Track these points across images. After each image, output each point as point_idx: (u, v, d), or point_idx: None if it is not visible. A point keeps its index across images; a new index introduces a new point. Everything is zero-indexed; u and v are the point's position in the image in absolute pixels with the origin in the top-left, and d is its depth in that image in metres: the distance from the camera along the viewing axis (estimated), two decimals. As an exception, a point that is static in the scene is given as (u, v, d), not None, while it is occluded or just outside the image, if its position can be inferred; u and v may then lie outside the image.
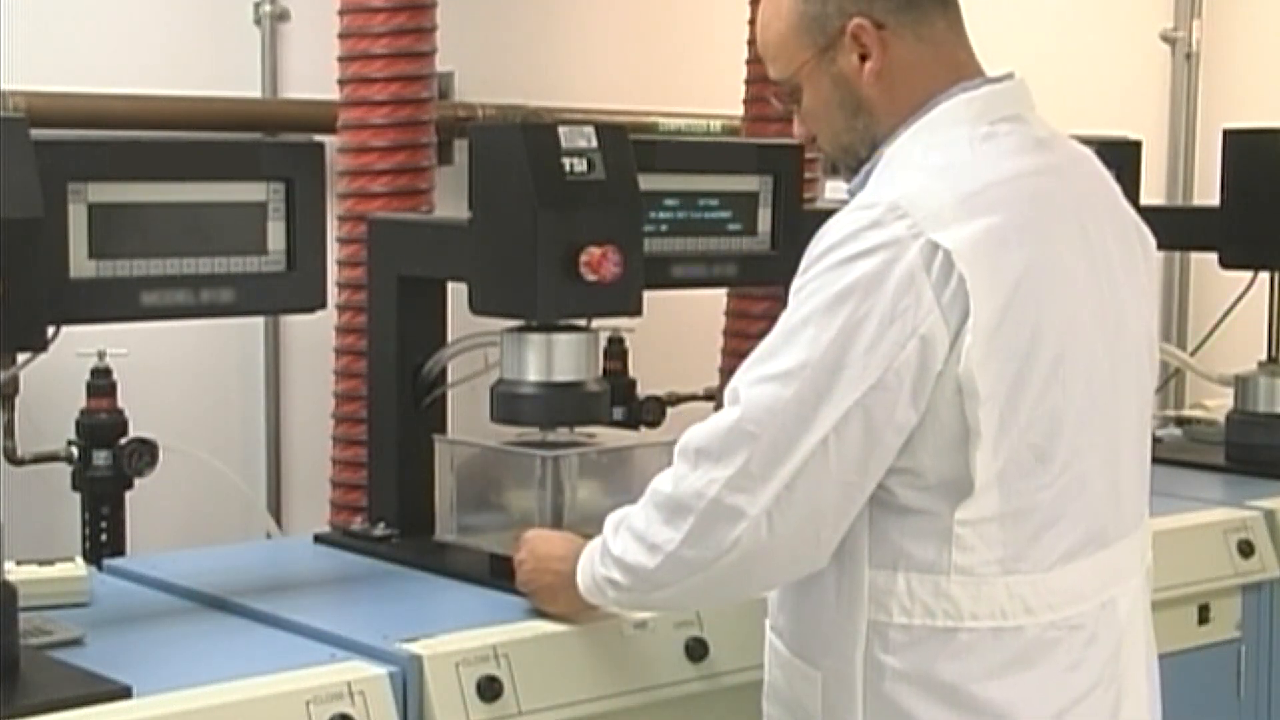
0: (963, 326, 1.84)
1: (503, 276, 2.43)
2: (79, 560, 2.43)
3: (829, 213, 1.95)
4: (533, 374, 2.46)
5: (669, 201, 2.81)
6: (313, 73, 3.23)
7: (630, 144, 2.50)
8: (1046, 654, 1.93)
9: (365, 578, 2.56)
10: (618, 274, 2.38)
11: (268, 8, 3.31)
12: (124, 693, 1.94)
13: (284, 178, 2.33)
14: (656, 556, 1.97)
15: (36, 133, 2.06)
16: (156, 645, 2.20)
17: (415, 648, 2.13)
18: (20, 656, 2.00)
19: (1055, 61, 4.41)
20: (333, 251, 2.62)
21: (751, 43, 3.55)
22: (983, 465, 1.87)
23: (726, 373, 3.48)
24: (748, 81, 3.63)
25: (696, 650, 2.30)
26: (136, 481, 2.87)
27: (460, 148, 3.26)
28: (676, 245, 2.83)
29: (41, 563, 2.37)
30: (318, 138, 2.57)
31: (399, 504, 2.72)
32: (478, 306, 2.49)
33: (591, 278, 2.37)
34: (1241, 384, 3.64)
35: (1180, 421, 4.03)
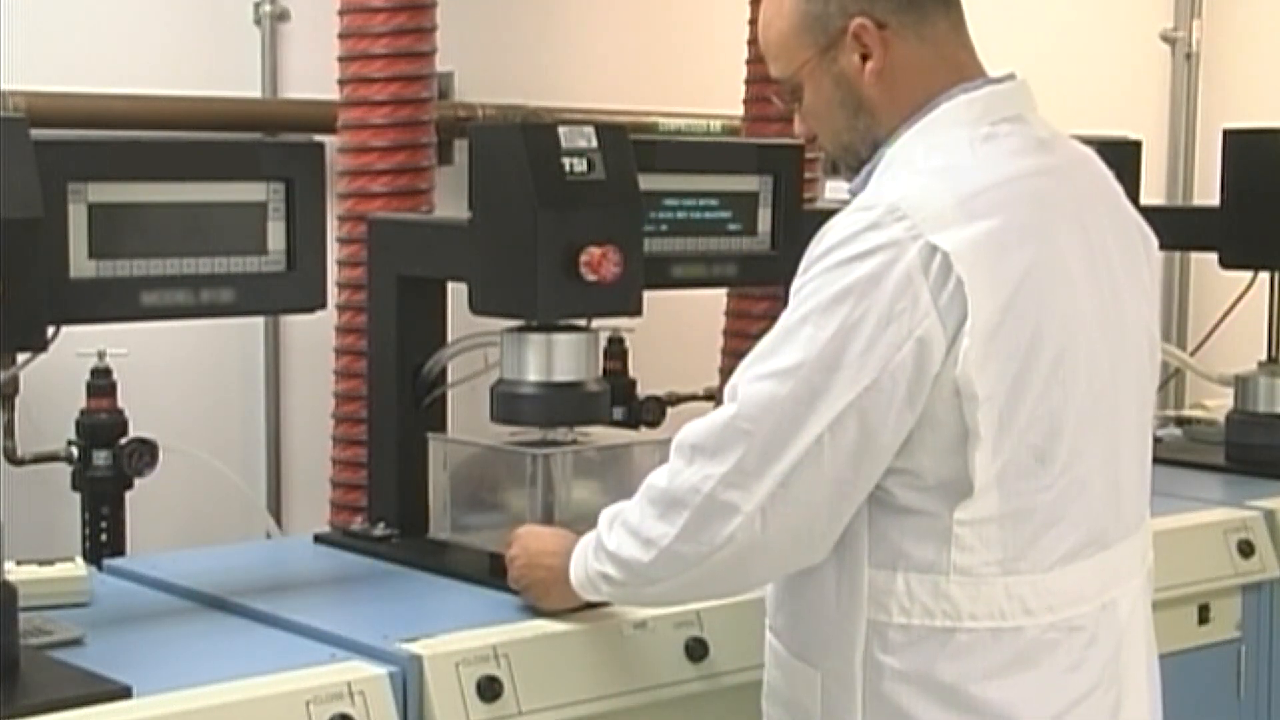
0: (960, 329, 1.84)
1: (503, 276, 2.43)
2: (79, 560, 2.43)
3: (829, 213, 1.95)
4: (533, 374, 2.46)
5: (669, 201, 2.81)
6: (313, 73, 3.23)
7: (630, 144, 2.50)
8: (1046, 655, 1.93)
9: (365, 578, 2.56)
10: (618, 274, 2.39)
11: (268, 8, 3.31)
12: (124, 693, 1.94)
13: (284, 178, 2.33)
14: (651, 551, 1.97)
15: (36, 133, 2.06)
16: (156, 645, 2.20)
17: (415, 648, 2.13)
18: (20, 656, 1.99)
19: (1055, 61, 4.41)
20: (333, 251, 2.62)
21: (751, 43, 3.55)
22: (982, 466, 1.87)
23: (726, 373, 3.46)
24: (748, 81, 3.63)
25: (696, 650, 2.30)
26: (136, 481, 2.87)
27: (460, 148, 3.26)
28: (676, 245, 2.83)
29: (41, 563, 2.37)
30: (318, 138, 2.56)
31: (399, 504, 2.72)
32: (478, 306, 2.49)
33: (591, 278, 2.37)
34: (1241, 384, 3.64)
35: (1180, 421, 4.03)
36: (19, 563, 2.29)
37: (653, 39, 3.94)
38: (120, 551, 2.87)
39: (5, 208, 1.97)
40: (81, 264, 2.17)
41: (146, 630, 2.27)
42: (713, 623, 2.32)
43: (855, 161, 2.05)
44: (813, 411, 1.86)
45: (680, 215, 2.83)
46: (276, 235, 2.33)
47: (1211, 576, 3.00)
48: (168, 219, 2.24)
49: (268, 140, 3.00)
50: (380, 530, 2.72)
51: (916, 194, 1.89)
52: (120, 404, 2.87)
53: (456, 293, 2.58)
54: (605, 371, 2.69)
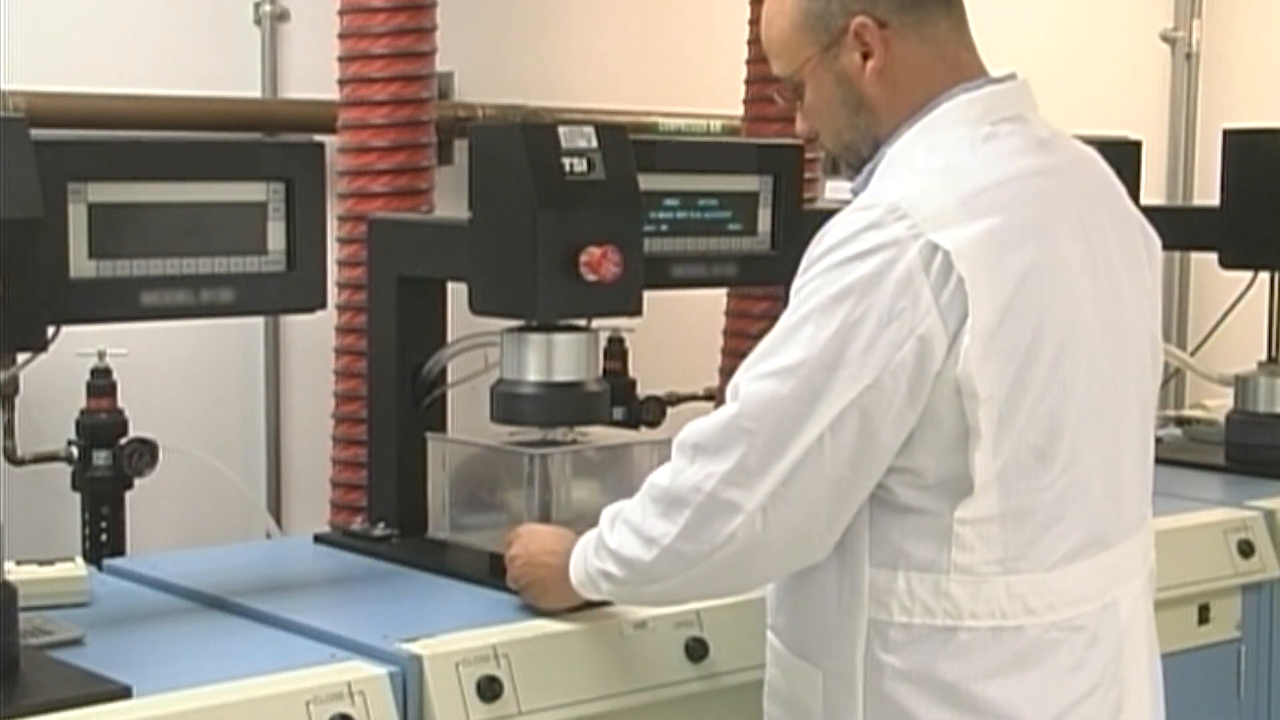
0: (961, 327, 1.84)
1: (503, 276, 2.43)
2: (79, 560, 2.43)
3: (829, 213, 1.95)
4: (533, 374, 2.46)
5: (669, 201, 2.81)
6: (313, 73, 3.24)
7: (630, 144, 2.50)
8: (1047, 654, 1.93)
9: (365, 578, 2.56)
10: (618, 274, 2.39)
11: (268, 8, 3.31)
12: (124, 693, 1.94)
13: (284, 178, 2.33)
14: (652, 550, 1.98)
15: (36, 133, 2.06)
16: (156, 645, 2.20)
17: (415, 648, 2.13)
18: (20, 656, 1.99)
19: (1055, 61, 4.41)
20: (333, 251, 2.62)
21: (752, 43, 3.55)
22: (982, 465, 1.87)
23: (726, 373, 3.48)
24: (748, 81, 3.63)
25: (696, 650, 2.30)
26: (136, 481, 2.87)
27: (460, 148, 3.26)
28: (676, 245, 2.83)
29: (41, 563, 2.37)
30: (318, 138, 2.57)
31: (399, 504, 2.72)
32: (478, 306, 2.49)
33: (591, 278, 2.37)
34: (1241, 384, 3.64)
35: (1180, 421, 4.02)
36: (19, 563, 2.29)
37: (653, 39, 3.94)
38: (120, 551, 2.87)
39: (5, 208, 1.97)
40: (81, 264, 2.17)
41: (146, 630, 2.27)
42: (713, 623, 2.32)
43: (856, 160, 2.05)
44: (814, 410, 1.86)
45: (680, 215, 2.83)
46: (276, 235, 2.33)
47: (1211, 576, 3.00)
48: (168, 219, 2.24)
49: (268, 140, 3.00)
50: (380, 530, 2.72)
51: (917, 193, 1.89)
52: (120, 404, 2.87)
53: (456, 293, 2.58)
54: (605, 371, 2.69)
